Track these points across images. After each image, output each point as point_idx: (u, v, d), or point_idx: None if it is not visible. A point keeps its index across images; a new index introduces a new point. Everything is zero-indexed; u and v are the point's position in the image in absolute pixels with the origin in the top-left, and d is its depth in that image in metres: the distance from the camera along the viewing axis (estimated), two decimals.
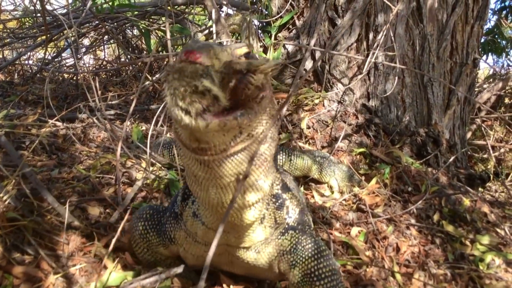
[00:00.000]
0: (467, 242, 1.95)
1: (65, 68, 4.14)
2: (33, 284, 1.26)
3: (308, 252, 1.24)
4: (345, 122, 2.77)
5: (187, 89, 0.76)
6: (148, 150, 1.88)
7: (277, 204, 1.24)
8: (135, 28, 4.19)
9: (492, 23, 4.99)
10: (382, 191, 2.26)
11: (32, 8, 4.02)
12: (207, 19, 4.07)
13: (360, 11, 2.89)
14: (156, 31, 3.97)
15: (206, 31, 3.29)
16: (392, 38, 2.79)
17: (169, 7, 2.99)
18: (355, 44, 2.96)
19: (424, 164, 2.58)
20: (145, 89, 3.49)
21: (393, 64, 2.64)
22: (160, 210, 1.40)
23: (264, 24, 3.34)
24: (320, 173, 2.33)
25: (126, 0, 3.68)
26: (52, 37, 3.53)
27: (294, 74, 3.10)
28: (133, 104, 1.82)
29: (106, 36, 4.24)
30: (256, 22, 3.35)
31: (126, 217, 1.41)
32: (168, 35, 2.46)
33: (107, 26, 3.71)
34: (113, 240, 1.20)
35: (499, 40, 4.86)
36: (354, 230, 1.96)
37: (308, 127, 2.76)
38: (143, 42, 4.25)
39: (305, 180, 2.37)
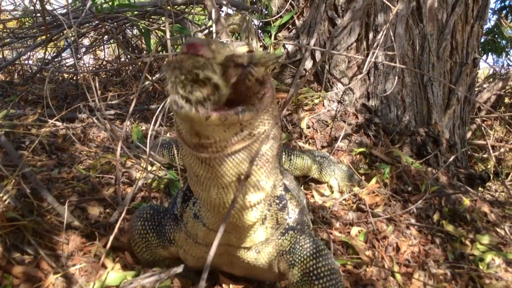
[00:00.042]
0: (467, 242, 1.95)
1: (65, 68, 4.14)
2: (33, 284, 1.26)
3: (307, 251, 1.24)
4: (345, 121, 2.77)
5: (188, 77, 0.76)
6: (148, 150, 1.88)
7: (280, 205, 1.25)
8: (135, 28, 4.19)
9: (492, 22, 4.99)
10: (382, 191, 2.26)
11: (32, 8, 4.02)
12: (207, 19, 4.07)
13: (360, 11, 2.89)
14: (156, 31, 3.96)
15: (206, 31, 3.28)
16: (392, 37, 2.79)
17: (169, 7, 2.99)
18: (355, 43, 2.96)
19: (424, 163, 2.58)
20: (145, 89, 3.49)
21: (393, 64, 2.64)
22: (161, 211, 1.40)
23: (264, 24, 3.33)
24: (320, 173, 2.33)
25: (126, 0, 3.68)
26: (52, 37, 3.53)
27: (294, 74, 3.10)
28: (133, 104, 1.82)
29: (106, 36, 4.24)
30: (256, 22, 3.35)
31: (122, 215, 1.40)
32: (168, 35, 2.46)
33: (107, 26, 3.70)
34: (111, 238, 1.20)
35: (499, 40, 4.86)
36: (354, 230, 1.96)
37: (308, 127, 2.76)
38: (143, 42, 4.25)
39: (305, 180, 2.37)
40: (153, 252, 1.42)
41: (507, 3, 4.92)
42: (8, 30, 4.19)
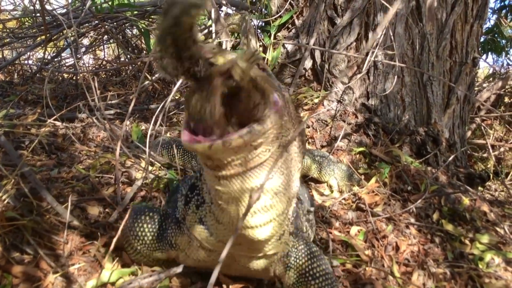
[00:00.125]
0: (467, 241, 1.95)
1: (64, 68, 4.14)
2: (32, 284, 1.26)
3: (302, 253, 1.27)
4: (344, 121, 2.77)
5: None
6: (147, 150, 1.88)
7: (292, 218, 1.26)
8: (134, 27, 4.19)
9: (492, 22, 4.99)
10: (382, 190, 2.26)
11: (31, 8, 4.02)
12: (206, 19, 4.07)
13: (360, 10, 2.89)
14: (156, 30, 3.96)
15: (206, 31, 3.28)
16: (392, 37, 2.79)
17: None
18: (354, 43, 2.96)
19: (424, 163, 2.58)
20: (144, 89, 3.49)
21: (392, 63, 2.64)
22: (160, 214, 1.37)
23: (264, 23, 3.33)
24: (320, 173, 2.34)
25: (126, 0, 3.68)
26: (51, 37, 3.53)
27: (293, 73, 3.10)
28: (132, 104, 1.82)
29: (106, 36, 4.24)
30: (255, 21, 3.35)
31: (126, 217, 1.40)
32: None
33: (106, 26, 3.70)
34: (114, 240, 1.20)
35: (498, 39, 4.86)
36: (354, 229, 1.96)
37: (308, 126, 2.76)
38: (143, 42, 4.25)
39: (304, 180, 2.37)
40: (148, 255, 1.38)
41: (506, 2, 4.92)
42: (7, 30, 4.19)
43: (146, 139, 1.97)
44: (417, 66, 2.92)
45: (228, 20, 3.09)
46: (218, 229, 1.13)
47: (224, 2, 3.39)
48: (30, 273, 1.29)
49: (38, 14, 3.85)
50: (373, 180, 2.33)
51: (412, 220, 2.07)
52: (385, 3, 2.70)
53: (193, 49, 0.71)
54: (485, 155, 4.06)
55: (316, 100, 2.92)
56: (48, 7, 3.83)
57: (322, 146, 2.67)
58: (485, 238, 1.94)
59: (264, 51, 3.22)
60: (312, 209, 1.68)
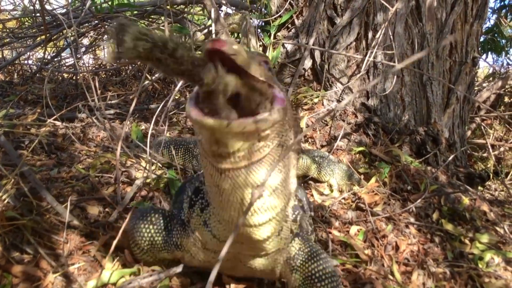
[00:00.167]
0: (466, 241, 1.95)
1: (64, 67, 4.14)
2: (32, 283, 1.26)
3: (308, 256, 1.27)
4: (344, 121, 2.77)
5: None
6: (148, 150, 1.88)
7: (293, 216, 1.27)
8: None
9: (492, 22, 4.99)
10: (382, 190, 2.26)
11: (31, 7, 4.02)
12: (206, 19, 4.07)
13: (359, 10, 2.89)
14: (156, 30, 3.96)
15: (206, 31, 3.29)
16: (391, 37, 2.79)
17: (168, 7, 2.99)
18: (354, 43, 2.96)
19: (424, 163, 2.58)
20: (144, 89, 3.49)
21: (392, 63, 2.64)
22: (166, 215, 1.38)
23: (263, 23, 3.33)
24: (319, 172, 2.34)
25: (125, 0, 3.68)
26: (51, 36, 3.53)
27: (293, 73, 3.10)
28: (134, 104, 1.82)
29: (106, 36, 4.24)
30: (255, 21, 3.35)
31: (128, 217, 1.40)
32: (167, 35, 2.46)
33: (106, 26, 3.70)
34: (114, 242, 1.20)
35: (498, 39, 4.86)
36: (353, 229, 1.96)
37: (307, 126, 2.76)
38: None
39: (304, 179, 2.37)
40: (155, 255, 1.41)
41: (506, 2, 4.92)
42: (7, 30, 4.19)
43: (146, 139, 1.97)
44: (417, 66, 2.92)
45: (228, 20, 3.10)
46: (219, 230, 1.14)
47: (224, 1, 3.39)
48: (30, 272, 1.29)
49: (38, 14, 3.85)
50: (373, 179, 2.33)
51: (412, 220, 2.07)
52: (384, 3, 2.70)
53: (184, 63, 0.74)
54: (485, 154, 4.06)
55: (315, 100, 2.92)
56: (48, 7, 3.83)
57: (322, 146, 2.68)
58: (484, 238, 1.94)
59: (264, 51, 3.22)
60: (311, 213, 1.69)
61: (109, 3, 3.50)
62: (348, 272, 1.67)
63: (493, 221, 2.11)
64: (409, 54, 2.92)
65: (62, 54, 4.16)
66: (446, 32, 2.94)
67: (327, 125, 2.78)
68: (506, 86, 4.55)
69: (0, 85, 3.47)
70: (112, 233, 1.56)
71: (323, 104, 2.90)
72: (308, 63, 3.06)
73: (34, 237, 1.43)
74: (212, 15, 2.75)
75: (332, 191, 2.33)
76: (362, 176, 2.37)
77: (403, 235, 1.95)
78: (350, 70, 2.96)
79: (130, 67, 4.10)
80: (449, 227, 2.02)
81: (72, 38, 3.30)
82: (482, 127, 4.26)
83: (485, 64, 6.19)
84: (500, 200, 2.57)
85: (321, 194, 2.31)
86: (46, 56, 4.03)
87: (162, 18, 4.03)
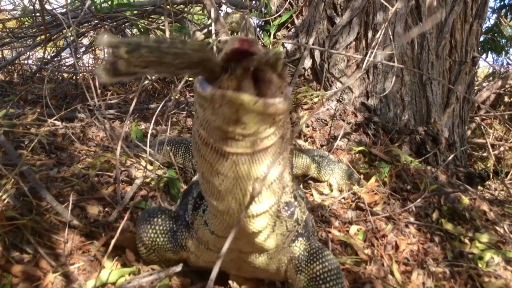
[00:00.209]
0: (466, 240, 1.95)
1: (64, 67, 4.14)
2: (32, 283, 1.26)
3: (313, 256, 1.27)
4: (344, 120, 2.77)
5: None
6: (147, 149, 1.88)
7: (289, 212, 1.25)
8: (134, 27, 4.19)
9: (492, 21, 4.99)
10: (381, 190, 2.26)
11: (31, 7, 4.02)
12: (206, 18, 4.07)
13: (359, 10, 2.89)
14: (156, 30, 3.96)
15: (205, 30, 3.28)
16: (391, 36, 2.79)
17: (168, 6, 2.99)
18: (354, 42, 2.96)
19: (423, 162, 2.59)
20: (144, 89, 3.49)
21: (391, 63, 2.64)
22: (172, 216, 1.40)
23: (263, 22, 3.33)
24: (319, 172, 2.34)
25: (125, 0, 3.67)
26: (51, 36, 3.53)
27: (293, 73, 3.10)
28: (133, 103, 1.82)
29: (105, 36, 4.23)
30: (255, 20, 3.35)
31: (126, 216, 1.41)
32: (168, 34, 2.46)
33: (106, 26, 3.70)
34: (113, 241, 1.20)
35: (498, 39, 4.86)
36: (353, 228, 1.96)
37: (307, 126, 2.76)
38: None
39: (304, 179, 2.37)
40: (161, 255, 1.42)
41: (506, 1, 4.92)
42: (7, 30, 4.19)
43: (146, 139, 1.97)
44: (417, 65, 2.92)
45: (228, 19, 3.10)
46: (215, 224, 1.14)
47: (223, 1, 3.39)
48: (30, 272, 1.29)
49: (37, 14, 3.85)
50: (372, 179, 2.33)
51: (412, 219, 2.07)
52: (384, 2, 2.70)
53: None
54: (484, 154, 4.06)
55: (315, 100, 2.92)
56: (47, 6, 3.83)
57: (322, 146, 2.68)
58: (484, 237, 1.94)
59: None
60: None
61: (109, 2, 3.50)
62: (348, 271, 1.67)
63: (493, 220, 2.11)
64: (408, 54, 2.92)
65: (62, 54, 4.16)
66: (446, 32, 2.94)
67: (327, 124, 2.78)
68: (506, 86, 4.55)
69: (0, 84, 3.47)
70: (112, 233, 1.56)
71: (322, 104, 2.90)
72: (308, 62, 3.06)
73: (34, 236, 1.43)
74: (212, 15, 2.75)
75: (331, 190, 2.33)
76: (362, 176, 2.37)
77: (403, 235, 1.95)
78: (350, 70, 2.96)
79: None
80: (449, 226, 2.02)
81: (71, 38, 3.30)
82: (482, 127, 4.26)
83: (485, 64, 6.20)
84: (500, 199, 2.57)
85: (321, 193, 2.31)
86: (46, 56, 4.02)
87: (162, 18, 4.03)
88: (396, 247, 1.87)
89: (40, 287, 1.26)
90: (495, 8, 5.04)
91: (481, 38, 4.37)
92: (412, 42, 2.91)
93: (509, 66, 5.33)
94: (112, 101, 3.04)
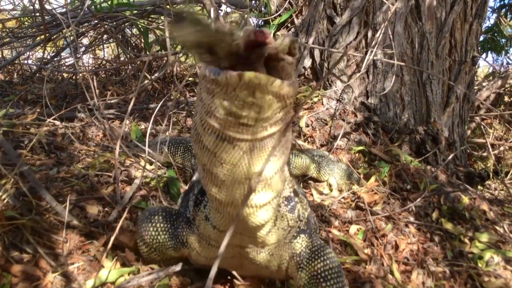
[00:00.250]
0: (466, 240, 1.95)
1: (64, 67, 4.14)
2: (31, 283, 1.26)
3: (314, 253, 1.27)
4: (344, 120, 2.77)
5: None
6: (146, 149, 1.88)
7: (289, 206, 1.26)
8: (134, 27, 4.18)
9: (492, 21, 4.99)
10: (381, 189, 2.26)
11: (31, 7, 4.02)
12: (205, 18, 4.05)
13: (359, 9, 2.88)
14: (156, 30, 3.96)
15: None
16: (391, 36, 2.79)
17: (168, 6, 2.99)
18: (353, 42, 2.95)
19: (423, 162, 2.58)
20: (144, 88, 3.49)
21: (392, 61, 2.64)
22: (173, 213, 1.40)
23: (263, 22, 3.33)
24: (319, 172, 2.34)
25: None
26: (51, 36, 3.53)
27: None
28: (132, 103, 1.82)
29: (105, 35, 4.24)
30: (255, 20, 3.35)
31: (124, 215, 1.41)
32: (167, 34, 2.46)
33: (106, 25, 3.70)
34: (112, 238, 1.20)
35: (498, 38, 4.86)
36: (353, 228, 1.96)
37: (307, 126, 2.76)
38: (143, 41, 4.24)
39: (304, 179, 2.37)
40: (162, 253, 1.42)
41: (506, 1, 4.92)
42: (7, 30, 4.19)
43: (145, 138, 1.97)
44: (417, 65, 2.92)
45: (227, 18, 3.09)
46: (217, 218, 1.13)
47: (223, 1, 3.39)
48: (29, 272, 1.29)
49: (37, 14, 3.85)
50: (372, 179, 2.33)
51: (412, 219, 2.07)
52: (385, 1, 2.70)
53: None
54: (484, 154, 4.06)
55: (315, 99, 2.92)
56: (47, 6, 3.82)
57: (322, 145, 2.68)
58: (484, 237, 1.94)
59: None
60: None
61: (109, 2, 3.50)
62: (347, 271, 1.67)
63: (492, 220, 2.11)
64: (408, 53, 2.92)
65: (62, 54, 4.15)
66: (446, 31, 2.94)
67: (326, 124, 2.78)
68: (506, 85, 4.55)
69: (0, 84, 3.47)
70: (111, 232, 1.56)
71: (322, 103, 2.90)
72: (307, 62, 3.06)
73: (33, 236, 1.43)
74: (212, 15, 2.75)
75: (331, 190, 2.33)
76: (361, 176, 2.37)
77: (403, 234, 1.95)
78: (349, 69, 2.96)
79: (129, 67, 4.10)
80: (448, 226, 2.02)
81: (71, 37, 3.30)
82: (482, 126, 4.26)
83: (485, 64, 6.20)
84: (499, 199, 2.57)
85: (321, 193, 2.31)
86: (45, 56, 4.02)
87: (162, 17, 4.03)
88: (396, 247, 1.87)
89: (40, 286, 1.26)
90: (495, 7, 5.05)
91: (481, 38, 4.37)
92: (412, 41, 2.91)
93: (509, 65, 5.33)
94: (112, 101, 3.04)
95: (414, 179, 2.36)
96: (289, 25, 3.25)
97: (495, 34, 4.85)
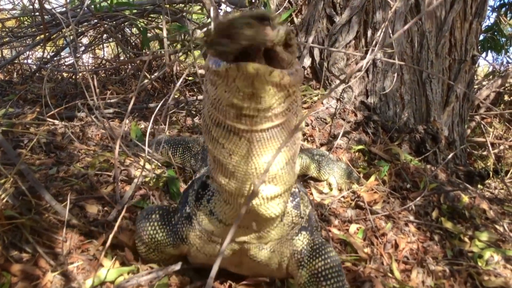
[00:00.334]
0: (466, 239, 1.95)
1: (64, 67, 4.14)
2: (31, 282, 1.26)
3: (315, 251, 1.26)
4: (344, 119, 2.77)
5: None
6: (146, 149, 1.88)
7: (294, 202, 1.25)
8: (133, 26, 4.18)
9: (492, 20, 4.99)
10: (381, 188, 2.26)
11: (30, 7, 4.02)
12: (205, 18, 4.06)
13: (358, 8, 2.88)
14: (155, 29, 3.96)
15: (205, 29, 3.28)
16: (391, 35, 2.79)
17: (167, 5, 2.99)
18: (353, 41, 2.95)
19: (423, 161, 2.58)
20: (144, 88, 3.49)
21: (391, 61, 2.64)
22: (170, 210, 1.40)
23: None
24: (319, 172, 2.33)
25: None
26: (50, 36, 3.53)
27: None
28: (132, 102, 1.82)
29: (105, 35, 4.24)
30: None
31: (122, 213, 1.40)
32: (165, 33, 2.46)
33: (105, 25, 3.70)
34: (110, 236, 1.20)
35: (498, 37, 4.86)
36: (353, 227, 1.96)
37: (307, 125, 2.76)
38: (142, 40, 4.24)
39: (304, 178, 2.37)
40: (161, 252, 1.41)
41: (506, 0, 4.91)
42: (7, 29, 4.19)
43: (145, 138, 1.97)
44: (416, 64, 2.92)
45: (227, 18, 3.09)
46: (225, 211, 1.11)
47: (223, 0, 3.39)
48: (29, 271, 1.29)
49: (37, 13, 3.85)
50: (372, 178, 2.33)
51: (411, 218, 2.07)
52: (388, 0, 2.70)
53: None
54: (484, 153, 4.06)
55: (315, 98, 2.92)
56: (47, 6, 3.82)
57: (322, 144, 2.67)
58: (484, 236, 1.94)
59: None
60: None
61: (108, 2, 3.49)
62: (347, 270, 1.67)
63: (492, 219, 2.11)
64: (408, 52, 2.92)
65: (62, 53, 4.15)
66: (446, 30, 2.93)
67: (326, 123, 2.78)
68: (506, 85, 4.55)
69: (0, 84, 3.47)
70: (111, 232, 1.55)
71: (322, 103, 2.90)
72: (307, 61, 3.06)
73: (33, 236, 1.42)
74: (211, 14, 2.75)
75: (331, 189, 2.33)
76: (361, 175, 2.37)
77: (403, 233, 1.95)
78: (349, 69, 2.95)
79: (129, 66, 4.10)
80: (448, 225, 2.02)
81: (71, 37, 3.30)
82: (482, 125, 4.26)
83: (485, 63, 6.20)
84: (499, 198, 2.57)
85: (321, 192, 2.30)
86: (45, 55, 4.02)
87: (161, 17, 4.03)
88: (396, 246, 1.87)
89: (39, 286, 1.26)
90: (495, 6, 5.05)
91: (481, 37, 4.37)
92: (412, 40, 2.91)
93: (509, 64, 5.32)
94: (112, 100, 3.03)
95: (414, 178, 2.37)
96: (288, 24, 3.24)
97: (495, 33, 4.85)
